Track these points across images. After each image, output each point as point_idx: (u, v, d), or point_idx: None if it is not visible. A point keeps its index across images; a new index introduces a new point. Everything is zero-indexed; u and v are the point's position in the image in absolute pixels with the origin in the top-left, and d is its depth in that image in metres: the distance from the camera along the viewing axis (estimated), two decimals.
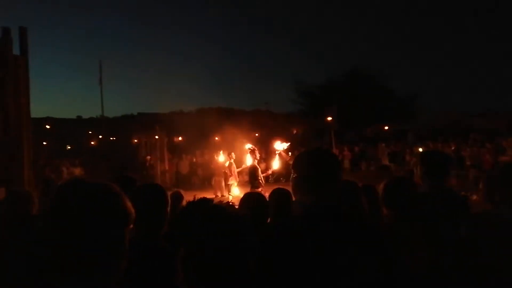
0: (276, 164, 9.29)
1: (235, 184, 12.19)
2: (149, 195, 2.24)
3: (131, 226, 1.04)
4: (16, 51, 7.27)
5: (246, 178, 10.99)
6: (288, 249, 1.50)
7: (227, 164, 12.51)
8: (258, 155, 9.10)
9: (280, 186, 3.23)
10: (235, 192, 11.79)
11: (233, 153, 12.73)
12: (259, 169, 8.73)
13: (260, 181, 8.45)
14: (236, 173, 12.02)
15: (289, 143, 9.86)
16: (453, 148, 14.69)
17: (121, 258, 1.01)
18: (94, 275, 0.96)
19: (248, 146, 9.47)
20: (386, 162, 17.98)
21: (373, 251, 1.49)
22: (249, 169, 8.84)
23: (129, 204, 1.04)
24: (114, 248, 0.99)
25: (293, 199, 3.11)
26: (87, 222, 0.95)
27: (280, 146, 9.16)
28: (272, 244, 1.56)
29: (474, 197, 10.62)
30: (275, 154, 9.18)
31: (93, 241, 0.95)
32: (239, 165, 11.88)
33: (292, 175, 1.79)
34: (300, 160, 1.80)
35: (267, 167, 12.09)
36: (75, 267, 0.95)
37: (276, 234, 1.64)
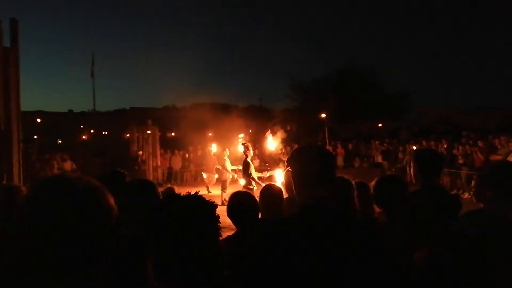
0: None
1: (230, 177, 12.14)
2: (140, 191, 2.20)
3: (113, 222, 1.01)
4: (6, 43, 7.17)
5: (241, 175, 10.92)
6: (287, 249, 1.46)
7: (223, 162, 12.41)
8: (251, 152, 9.05)
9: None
10: (241, 182, 11.68)
11: (227, 149, 12.68)
12: (252, 166, 8.69)
13: (253, 178, 8.41)
14: (230, 169, 11.95)
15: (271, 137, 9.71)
16: (445, 146, 14.78)
17: (103, 256, 0.99)
18: (75, 273, 0.93)
19: (241, 142, 9.41)
20: (379, 159, 18.12)
21: (372, 252, 1.47)
22: (242, 165, 8.80)
23: (111, 200, 1.01)
24: (95, 245, 0.96)
25: (284, 196, 3.11)
26: (65, 219, 0.92)
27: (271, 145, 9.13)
28: (269, 244, 1.52)
29: (466, 195, 10.76)
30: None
31: (72, 238, 0.92)
32: (234, 161, 11.83)
33: (287, 172, 1.74)
34: (297, 156, 1.73)
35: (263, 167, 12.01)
36: (54, 266, 0.92)
37: (273, 233, 1.59)
